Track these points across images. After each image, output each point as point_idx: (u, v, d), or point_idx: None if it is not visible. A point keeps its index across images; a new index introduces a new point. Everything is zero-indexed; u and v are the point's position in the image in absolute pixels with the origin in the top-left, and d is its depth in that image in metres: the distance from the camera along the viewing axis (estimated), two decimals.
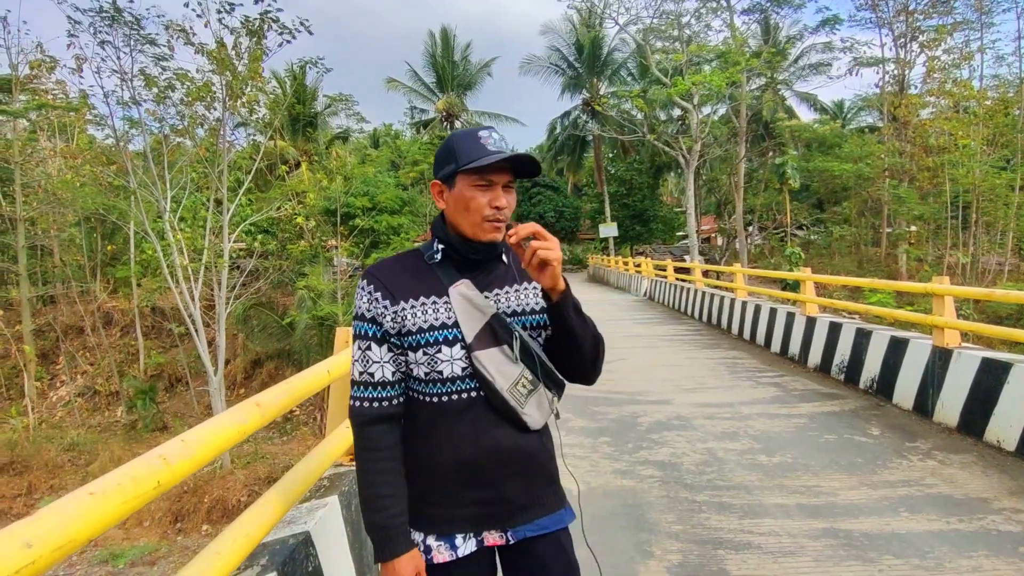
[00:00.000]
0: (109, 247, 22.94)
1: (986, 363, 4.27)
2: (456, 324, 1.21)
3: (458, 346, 1.21)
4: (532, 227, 1.12)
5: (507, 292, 1.28)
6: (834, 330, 6.33)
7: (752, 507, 3.33)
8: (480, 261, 1.26)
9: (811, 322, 6.85)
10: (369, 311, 1.24)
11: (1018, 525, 3.02)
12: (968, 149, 24.21)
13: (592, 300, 17.14)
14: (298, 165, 26.60)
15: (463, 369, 1.21)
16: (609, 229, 29.41)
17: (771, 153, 29.58)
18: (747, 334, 8.86)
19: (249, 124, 17.64)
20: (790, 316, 7.42)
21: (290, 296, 21.19)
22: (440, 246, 1.27)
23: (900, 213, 25.71)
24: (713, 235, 37.00)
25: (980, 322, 16.38)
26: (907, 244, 26.54)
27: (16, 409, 18.03)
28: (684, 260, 22.25)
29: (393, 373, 1.25)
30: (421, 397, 1.25)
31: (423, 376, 1.23)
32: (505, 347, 1.23)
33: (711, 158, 27.71)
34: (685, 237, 30.22)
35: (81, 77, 18.84)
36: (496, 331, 1.23)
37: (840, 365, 6.16)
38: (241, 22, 13.72)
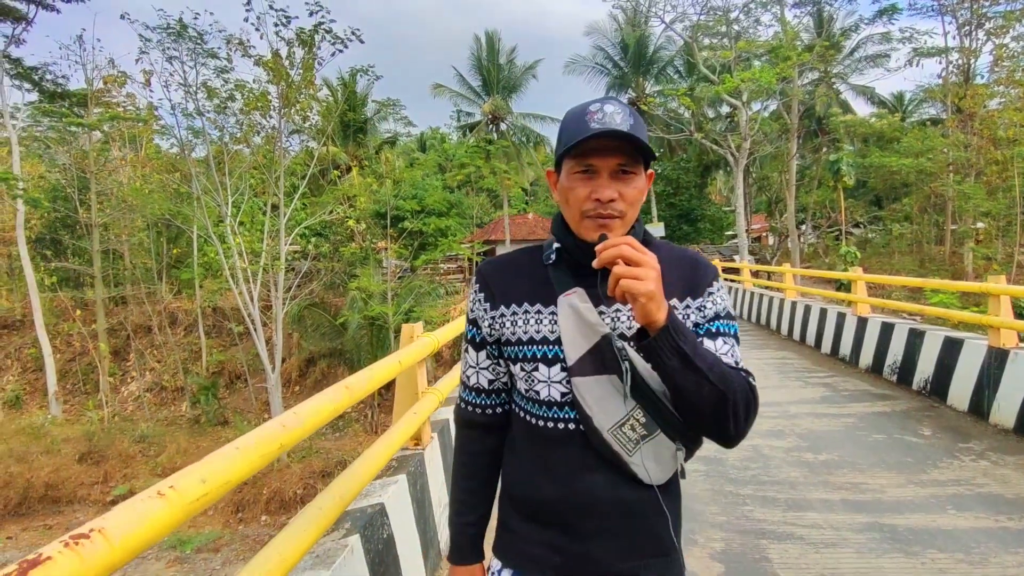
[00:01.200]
0: (175, 250, 24.23)
1: None
2: (559, 341, 1.02)
3: (558, 367, 1.03)
4: (620, 248, 0.90)
5: (630, 309, 1.03)
6: (886, 331, 6.24)
7: (796, 501, 3.41)
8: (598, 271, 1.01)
9: (862, 322, 6.76)
10: (472, 311, 1.14)
11: None
12: None
13: None
14: (349, 170, 27.46)
15: (562, 395, 1.03)
16: (656, 229, 29.12)
17: (825, 149, 28.73)
18: (797, 335, 8.75)
19: (303, 131, 18.38)
20: (840, 316, 7.33)
21: (342, 297, 21.93)
22: (556, 245, 1.09)
23: (965, 210, 24.60)
24: (764, 234, 36.18)
25: None
26: (973, 242, 25.36)
27: (92, 403, 19.31)
28: (733, 260, 21.89)
29: (490, 382, 1.15)
30: (522, 414, 1.11)
31: (523, 392, 1.09)
32: (615, 377, 1.00)
33: (761, 156, 27.15)
34: (734, 237, 29.70)
35: (150, 91, 20.05)
36: (605, 356, 1.00)
37: (892, 366, 6.07)
38: (296, 33, 14.39)
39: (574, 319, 1.02)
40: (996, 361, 4.62)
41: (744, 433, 1.00)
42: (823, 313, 7.88)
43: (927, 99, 33.15)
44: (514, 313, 1.07)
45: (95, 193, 20.23)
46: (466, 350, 1.17)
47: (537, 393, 1.05)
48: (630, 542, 1.03)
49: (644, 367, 0.99)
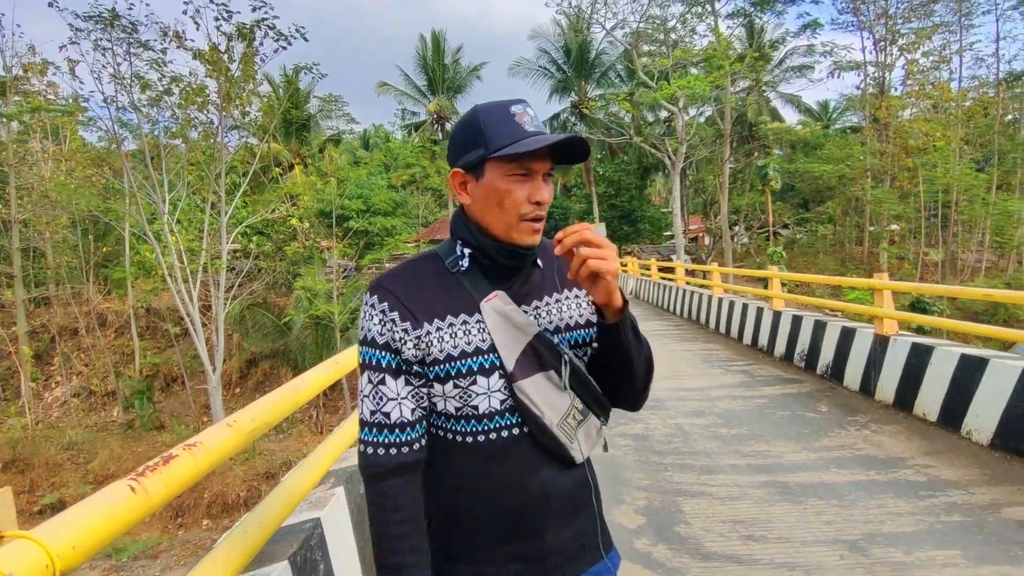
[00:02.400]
0: (103, 249, 23.25)
1: (915, 347, 4.91)
2: (493, 348, 1.00)
3: (496, 375, 1.00)
4: (582, 232, 0.93)
5: (547, 304, 1.06)
6: (796, 323, 6.97)
7: (709, 467, 3.94)
8: (514, 268, 1.04)
9: (777, 316, 7.49)
10: (383, 335, 1.01)
11: (924, 476, 3.65)
12: (945, 150, 25.09)
13: None
14: (291, 167, 27.05)
15: (503, 402, 1.01)
16: (598, 229, 29.95)
17: (756, 154, 30.37)
18: (723, 328, 9.50)
19: (242, 127, 18.07)
20: (759, 311, 8.06)
21: (285, 297, 21.66)
22: (467, 251, 1.04)
23: (880, 213, 26.58)
24: (701, 235, 37.78)
25: (954, 317, 17.16)
26: (888, 243, 27.42)
27: (14, 409, 18.36)
28: (671, 259, 22.92)
29: (413, 411, 1.03)
30: (451, 436, 1.04)
31: (453, 412, 1.02)
32: (552, 373, 1.02)
33: (697, 159, 28.42)
34: (673, 237, 31.01)
35: (80, 81, 19.16)
36: (541, 354, 1.01)
37: (801, 354, 6.79)
38: (236, 27, 14.21)
39: (503, 323, 1.01)
40: (880, 347, 5.34)
41: (648, 394, 1.13)
42: (744, 308, 8.61)
43: (849, 108, 35.50)
44: (439, 329, 1.00)
45: (14, 187, 19.22)
46: (380, 382, 1.01)
47: (476, 408, 1.00)
48: (579, 521, 1.06)
49: (575, 358, 1.05)
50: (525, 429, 1.01)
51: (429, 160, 27.29)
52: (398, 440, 1.01)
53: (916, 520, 3.10)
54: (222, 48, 14.13)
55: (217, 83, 14.52)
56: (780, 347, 7.32)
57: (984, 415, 4.14)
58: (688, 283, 12.71)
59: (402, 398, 1.02)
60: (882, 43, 28.41)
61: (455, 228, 1.06)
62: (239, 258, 21.64)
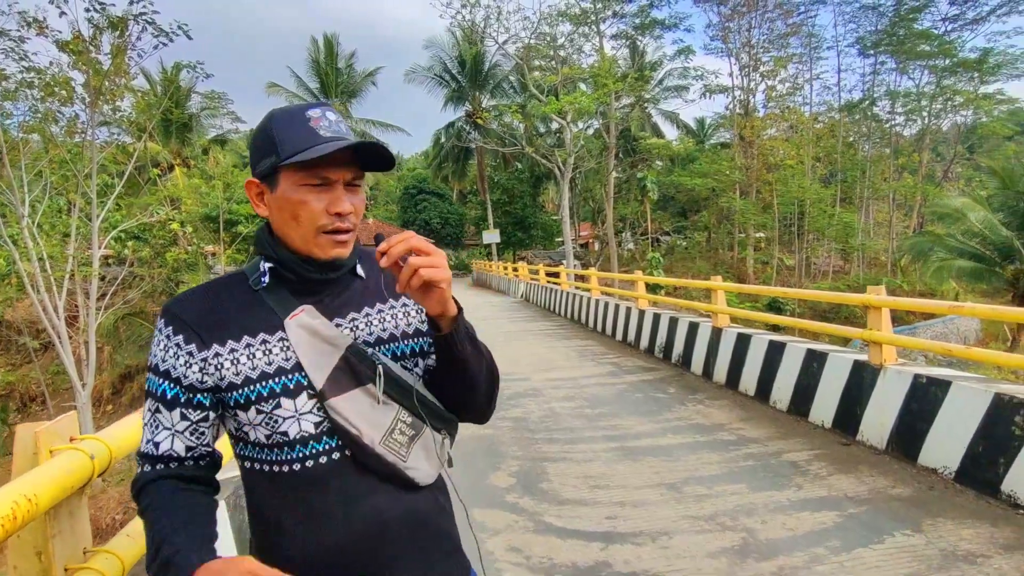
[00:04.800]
0: None
1: (739, 337, 6.03)
2: (298, 367, 0.92)
3: (304, 395, 0.92)
4: (409, 240, 0.86)
5: (367, 316, 0.99)
6: (656, 320, 8.05)
7: (572, 439, 4.72)
8: (324, 280, 0.97)
9: (641, 314, 8.56)
10: (165, 362, 0.93)
11: (735, 436, 4.63)
12: (796, 167, 28.49)
13: (474, 303, 18.50)
14: (172, 169, 25.63)
15: (317, 425, 0.92)
16: (492, 235, 31.04)
17: (639, 166, 32.70)
18: (599, 327, 10.55)
19: (113, 123, 17.05)
20: (628, 310, 9.14)
21: None
22: (267, 266, 0.97)
23: (746, 222, 29.61)
24: (591, 241, 39.92)
25: (803, 316, 19.50)
26: (753, 249, 30.59)
27: None
28: (562, 264, 24.23)
29: (188, 449, 0.94)
30: (266, 468, 0.94)
31: (264, 441, 0.92)
32: (371, 386, 0.94)
33: (585, 170, 30.16)
34: (564, 243, 32.61)
35: None
36: (356, 368, 0.94)
37: (660, 346, 7.86)
38: (107, 18, 13.51)
39: (311, 339, 0.93)
40: (715, 337, 6.45)
41: (494, 408, 1.05)
42: (616, 308, 9.68)
43: (721, 126, 39.08)
44: (232, 351, 0.92)
45: None
46: (156, 411, 0.94)
47: (286, 434, 0.91)
48: (427, 551, 0.97)
49: (396, 367, 0.97)
50: (347, 452, 0.92)
51: None
52: (163, 469, 0.93)
53: (720, 466, 4.02)
54: (87, 37, 13.37)
55: (84, 75, 13.71)
56: (644, 341, 8.38)
57: (783, 388, 5.25)
58: (571, 287, 13.77)
59: (176, 431, 0.93)
60: (746, 69, 31.67)
61: (256, 242, 0.99)
62: (112, 265, 20.26)
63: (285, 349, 0.93)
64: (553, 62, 27.72)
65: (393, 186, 47.57)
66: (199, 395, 0.93)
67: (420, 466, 0.97)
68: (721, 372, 6.28)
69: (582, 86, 27.07)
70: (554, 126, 30.31)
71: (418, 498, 0.98)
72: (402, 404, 0.96)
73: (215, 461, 0.99)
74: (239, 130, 34.33)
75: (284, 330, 0.94)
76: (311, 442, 0.92)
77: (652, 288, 16.77)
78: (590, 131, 29.65)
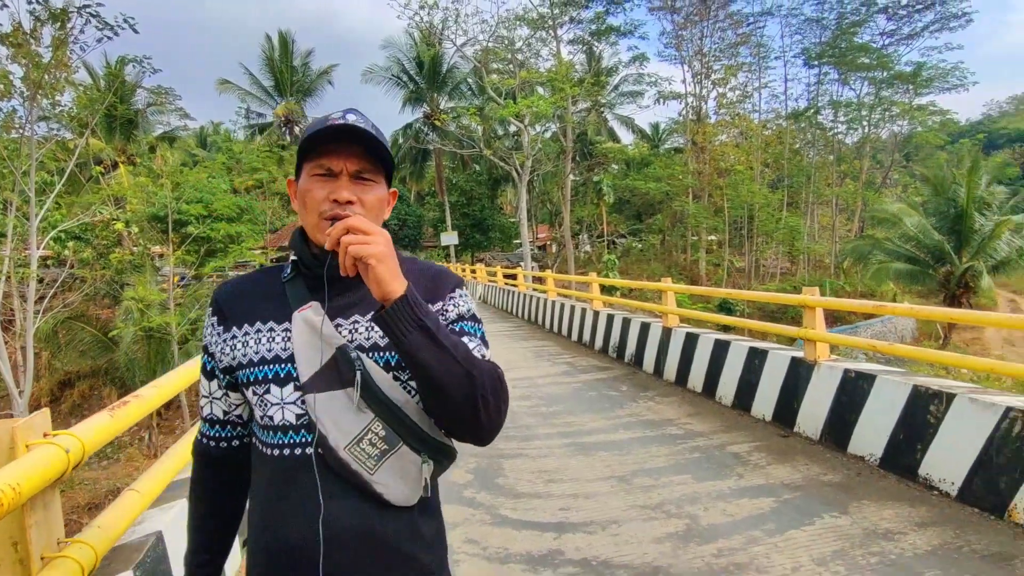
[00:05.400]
0: None
1: (688, 337, 6.30)
2: (292, 358, 0.97)
3: (291, 385, 0.96)
4: (347, 221, 0.87)
5: (369, 320, 0.98)
6: (610, 320, 8.30)
7: (528, 436, 4.86)
8: (338, 279, 0.96)
9: (596, 315, 8.80)
10: (206, 338, 1.07)
11: (683, 430, 4.87)
12: (745, 172, 29.52)
13: None
14: (116, 166, 24.70)
15: (298, 417, 0.95)
16: (450, 237, 31.03)
17: (595, 169, 33.26)
18: (556, 328, 10.76)
19: (52, 119, 16.36)
20: (583, 311, 9.37)
21: (110, 309, 19.78)
22: (292, 259, 1.05)
23: (698, 225, 30.49)
24: (548, 243, 40.33)
25: (752, 317, 20.16)
26: (704, 251, 31.51)
27: None
28: (520, 266, 24.46)
29: (225, 412, 1.08)
30: (259, 447, 1.01)
31: (259, 420, 1.00)
32: (352, 390, 0.94)
33: (543, 172, 30.50)
34: (522, 245, 32.87)
35: None
36: (342, 369, 0.95)
37: (613, 346, 8.11)
38: (48, 11, 13.01)
39: (308, 334, 0.96)
40: (666, 337, 6.71)
41: (497, 425, 0.94)
42: (572, 309, 9.90)
43: (675, 131, 40.09)
44: (246, 334, 1.01)
45: None
46: (202, 380, 1.11)
47: (271, 419, 0.96)
48: (378, 571, 0.95)
49: (382, 377, 0.95)
50: (319, 450, 0.94)
51: (276, 164, 26.38)
52: (209, 433, 1.10)
53: (668, 459, 4.24)
54: (28, 29, 12.85)
55: (24, 69, 13.15)
56: (599, 342, 8.62)
57: (728, 384, 5.53)
58: (528, 288, 13.96)
59: (214, 397, 1.08)
60: (698, 76, 32.63)
61: (291, 238, 1.07)
62: (52, 266, 19.41)
63: (286, 339, 0.98)
64: (511, 65, 27.95)
65: None
66: (222, 370, 1.05)
67: (391, 483, 0.94)
68: (671, 370, 6.54)
69: (540, 90, 27.37)
70: (512, 129, 30.54)
71: (387, 516, 0.95)
72: (379, 416, 0.95)
73: (245, 434, 1.11)
74: (188, 127, 33.38)
75: (291, 321, 0.99)
76: (290, 431, 0.96)
77: (607, 290, 17.13)
78: (547, 134, 30.01)
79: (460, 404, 0.90)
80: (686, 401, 5.80)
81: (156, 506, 2.11)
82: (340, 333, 0.98)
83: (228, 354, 1.02)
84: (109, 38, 14.17)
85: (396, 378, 0.97)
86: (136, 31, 14.65)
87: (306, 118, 30.91)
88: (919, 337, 21.43)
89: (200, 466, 1.12)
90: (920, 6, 29.87)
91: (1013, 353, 18.95)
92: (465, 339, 0.98)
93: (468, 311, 1.05)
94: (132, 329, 16.72)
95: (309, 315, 0.98)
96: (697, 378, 6.03)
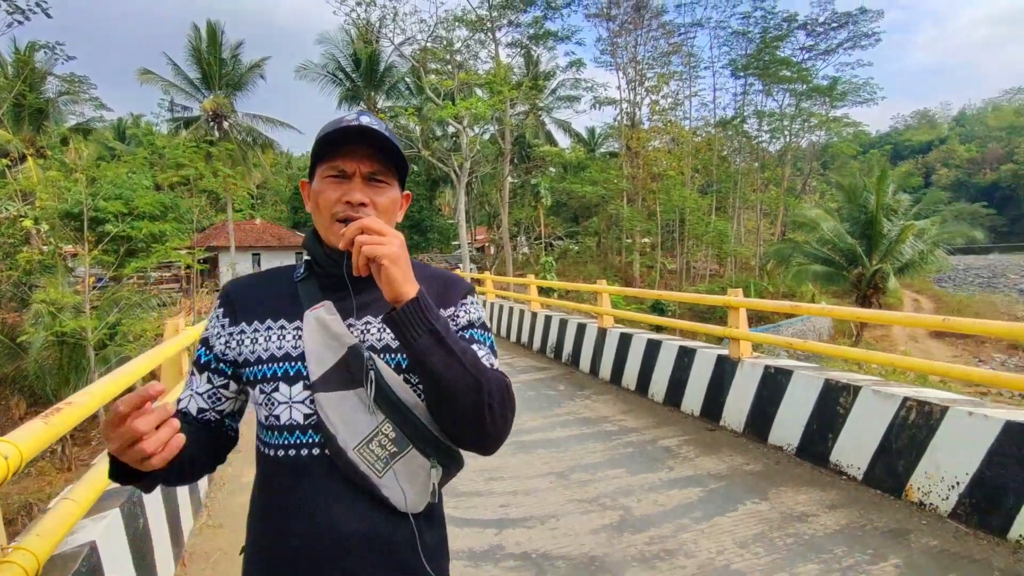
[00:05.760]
0: None
1: (622, 337, 6.53)
2: (302, 356, 0.96)
3: (300, 384, 0.95)
4: (361, 222, 0.87)
5: (381, 322, 0.97)
6: (547, 321, 8.48)
7: None
8: (352, 279, 0.97)
9: (534, 316, 8.96)
10: (208, 331, 1.05)
11: (617, 427, 5.06)
12: (676, 178, 30.63)
13: None
14: (24, 159, 23.02)
15: (306, 416, 0.94)
16: None
17: (533, 172, 33.66)
18: (494, 329, 10.87)
19: None
20: (522, 312, 9.52)
21: (17, 313, 18.38)
22: (306, 259, 1.05)
23: (632, 228, 31.39)
24: (486, 244, 40.45)
25: (684, 317, 20.86)
26: (639, 254, 32.47)
27: None
28: (458, 268, 24.41)
29: (200, 411, 1.04)
30: (263, 449, 1.00)
31: (263, 421, 0.99)
32: (362, 391, 0.94)
33: (481, 174, 30.58)
34: (460, 246, 32.83)
35: None
36: (352, 370, 0.94)
37: (551, 347, 8.29)
38: None
39: (320, 333, 0.96)
40: (601, 337, 6.93)
41: (503, 434, 0.94)
42: (511, 311, 10.04)
43: (610, 136, 41.11)
44: (255, 330, 1.00)
45: None
46: (191, 373, 1.06)
47: (278, 418, 0.95)
48: None
49: (393, 378, 0.95)
50: (327, 451, 0.93)
51: (204, 161, 25.25)
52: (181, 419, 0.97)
53: (604, 454, 4.41)
54: None
55: None
56: (537, 342, 8.78)
57: (659, 382, 5.78)
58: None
59: (196, 392, 1.03)
60: (633, 83, 33.62)
61: (305, 238, 1.07)
62: None
63: (297, 338, 0.97)
64: (449, 66, 27.90)
65: (283, 185, 45.47)
66: (222, 364, 1.03)
67: (398, 488, 0.93)
68: (606, 369, 6.76)
69: (478, 92, 27.45)
70: (450, 130, 30.47)
71: (392, 523, 0.94)
72: (390, 418, 0.94)
73: (224, 431, 1.07)
74: (104, 119, 31.42)
75: (302, 320, 0.98)
76: (297, 431, 0.95)
77: (544, 291, 17.40)
78: (486, 136, 30.12)
79: (466, 411, 0.89)
80: (620, 399, 6.02)
81: (90, 516, 2.06)
82: (352, 333, 0.97)
83: (234, 348, 1.01)
84: (20, 22, 13.28)
85: (407, 380, 0.97)
86: (49, 15, 13.77)
87: (235, 113, 29.78)
88: (835, 335, 22.87)
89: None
90: (835, 25, 32.02)
91: (916, 348, 20.52)
92: (474, 347, 0.98)
93: (478, 319, 1.05)
94: (43, 334, 15.62)
95: (321, 314, 0.98)
96: (631, 376, 6.27)
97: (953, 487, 3.22)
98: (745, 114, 35.21)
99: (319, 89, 31.81)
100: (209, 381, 1.03)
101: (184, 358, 3.47)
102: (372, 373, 0.93)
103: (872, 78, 36.42)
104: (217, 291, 24.80)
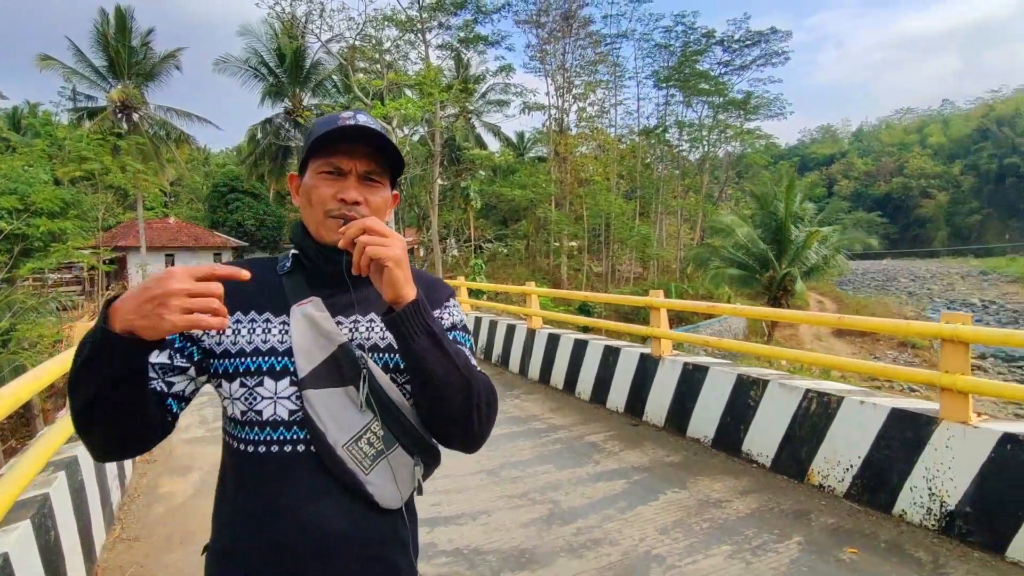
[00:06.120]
0: None
1: (551, 337, 6.71)
2: (289, 352, 0.95)
3: (287, 380, 0.94)
4: (364, 221, 0.87)
5: (371, 320, 0.99)
6: (477, 323, 8.56)
7: None
8: (335, 275, 0.98)
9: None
10: None
11: (546, 425, 5.20)
12: (602, 183, 31.52)
13: None
14: None
15: (291, 412, 0.94)
16: None
17: (463, 175, 33.66)
18: None
19: None
20: None
21: None
22: (292, 252, 1.04)
23: (560, 232, 31.99)
24: (416, 246, 40.04)
25: (610, 318, 21.45)
26: (567, 257, 33.12)
27: None
28: None
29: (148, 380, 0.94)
30: (237, 445, 0.97)
31: (240, 416, 0.95)
32: (352, 389, 0.94)
33: (410, 176, 30.27)
34: None
35: None
36: (343, 367, 0.95)
37: (481, 348, 8.36)
38: None
39: (309, 329, 0.95)
40: (530, 338, 7.08)
41: (487, 433, 0.97)
42: None
43: (539, 141, 41.72)
44: (237, 321, 0.97)
45: None
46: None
47: (259, 413, 0.93)
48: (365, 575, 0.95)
49: (383, 378, 0.96)
50: (312, 448, 0.93)
51: (111, 155, 23.64)
52: None
53: (533, 451, 4.52)
54: None
55: None
56: None
57: (586, 380, 5.98)
58: None
59: (149, 362, 0.90)
60: (561, 90, 34.29)
61: (291, 232, 1.07)
62: None
63: (284, 332, 0.96)
64: (378, 66, 27.49)
65: (199, 183, 43.20)
66: (192, 347, 0.96)
67: (383, 485, 0.95)
68: (535, 369, 6.90)
69: (408, 92, 27.19)
70: None
71: (374, 520, 0.95)
72: (379, 416, 0.95)
73: (164, 407, 0.94)
74: None
75: (289, 315, 0.97)
76: (281, 427, 0.93)
77: (474, 293, 17.46)
78: (416, 138, 29.85)
79: (456, 411, 0.91)
80: (549, 397, 6.17)
81: (0, 527, 1.96)
82: (341, 330, 0.97)
83: (213, 336, 0.96)
84: None
85: (394, 380, 0.98)
86: None
87: (147, 104, 28.09)
88: (748, 334, 24.23)
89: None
90: (749, 42, 33.97)
91: (820, 346, 22.08)
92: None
93: (461, 321, 1.07)
94: None
95: (310, 310, 0.97)
96: (559, 376, 6.44)
97: (848, 469, 3.55)
98: (667, 124, 36.71)
99: (240, 83, 30.54)
100: (170, 357, 0.95)
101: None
102: (365, 371, 0.94)
103: (782, 94, 39.17)
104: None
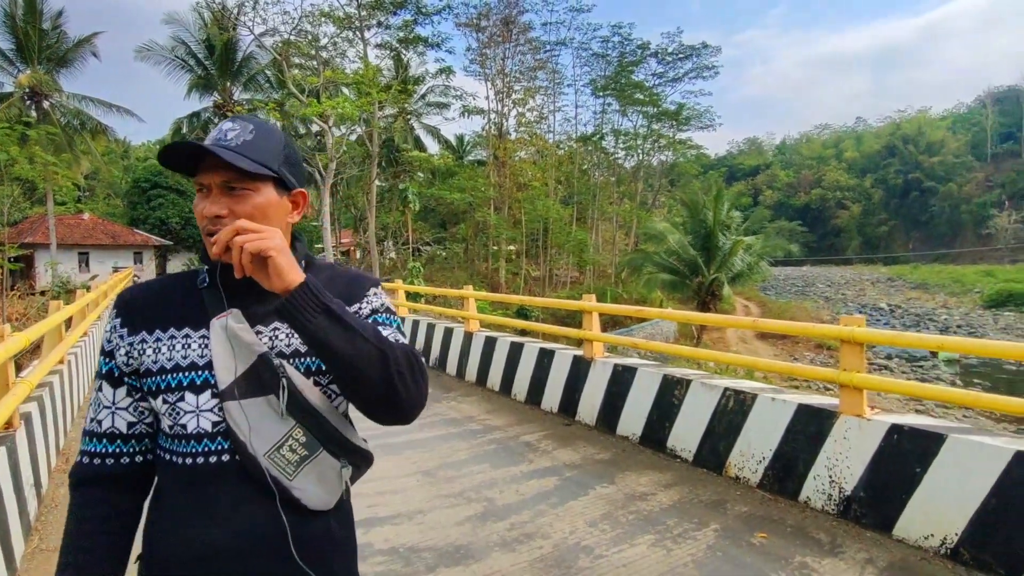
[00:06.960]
0: None
1: (487, 340, 6.82)
2: (209, 365, 0.96)
3: (208, 393, 0.95)
4: (235, 224, 0.87)
5: (289, 327, 0.98)
6: (415, 326, 8.57)
7: None
8: (254, 287, 0.93)
9: (402, 321, 9.00)
10: (109, 342, 1.01)
11: (482, 426, 5.31)
12: (540, 188, 31.97)
13: None
14: None
15: (214, 424, 0.94)
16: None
17: (402, 176, 33.33)
18: None
19: None
20: None
21: None
22: (206, 266, 1.02)
23: (499, 235, 32.21)
24: (352, 248, 39.29)
25: (547, 322, 21.72)
26: (505, 261, 33.37)
27: None
28: None
29: (130, 425, 1.00)
30: (167, 457, 0.98)
31: (167, 430, 0.97)
32: (273, 398, 0.95)
33: (347, 176, 29.74)
34: (324, 250, 31.55)
35: None
36: (263, 377, 0.95)
37: (418, 351, 8.37)
38: None
39: (228, 341, 0.95)
40: (467, 341, 7.18)
41: (418, 401, 0.95)
42: None
43: (478, 145, 41.86)
44: (157, 339, 0.98)
45: None
46: (99, 388, 1.02)
47: (184, 427, 0.94)
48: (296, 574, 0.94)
49: (304, 383, 0.97)
50: (237, 457, 0.94)
51: (18, 144, 22.01)
52: (105, 451, 1.00)
53: (469, 451, 4.62)
54: None
55: None
56: None
57: (521, 381, 6.13)
58: None
59: (118, 408, 1.00)
60: (500, 95, 34.56)
61: (201, 249, 1.04)
62: None
63: (203, 346, 0.97)
64: (315, 62, 26.86)
65: (118, 177, 40.81)
66: (127, 376, 1.00)
67: (310, 489, 0.96)
68: (472, 372, 7.00)
69: (345, 91, 26.70)
70: (315, 128, 29.30)
71: (304, 521, 0.96)
72: (301, 423, 0.96)
73: (151, 448, 1.03)
74: None
75: (207, 328, 0.97)
76: (205, 439, 0.94)
77: (412, 296, 17.37)
78: (353, 137, 29.32)
79: (376, 383, 0.89)
80: (485, 399, 6.28)
81: None
82: (261, 340, 0.98)
83: (136, 359, 0.98)
84: None
85: (317, 383, 0.99)
86: None
87: (60, 92, 26.34)
88: (678, 338, 25.19)
89: (84, 492, 1.00)
90: (681, 56, 35.36)
91: (745, 348, 23.22)
92: (381, 328, 0.99)
93: (382, 305, 1.07)
94: None
95: (228, 322, 0.96)
96: (495, 378, 6.56)
97: (760, 461, 3.83)
98: (603, 131, 37.68)
99: (165, 74, 29.12)
100: (129, 394, 1.01)
101: (9, 368, 3.14)
102: (284, 380, 0.95)
103: (712, 106, 40.97)
104: (32, 294, 21.67)
